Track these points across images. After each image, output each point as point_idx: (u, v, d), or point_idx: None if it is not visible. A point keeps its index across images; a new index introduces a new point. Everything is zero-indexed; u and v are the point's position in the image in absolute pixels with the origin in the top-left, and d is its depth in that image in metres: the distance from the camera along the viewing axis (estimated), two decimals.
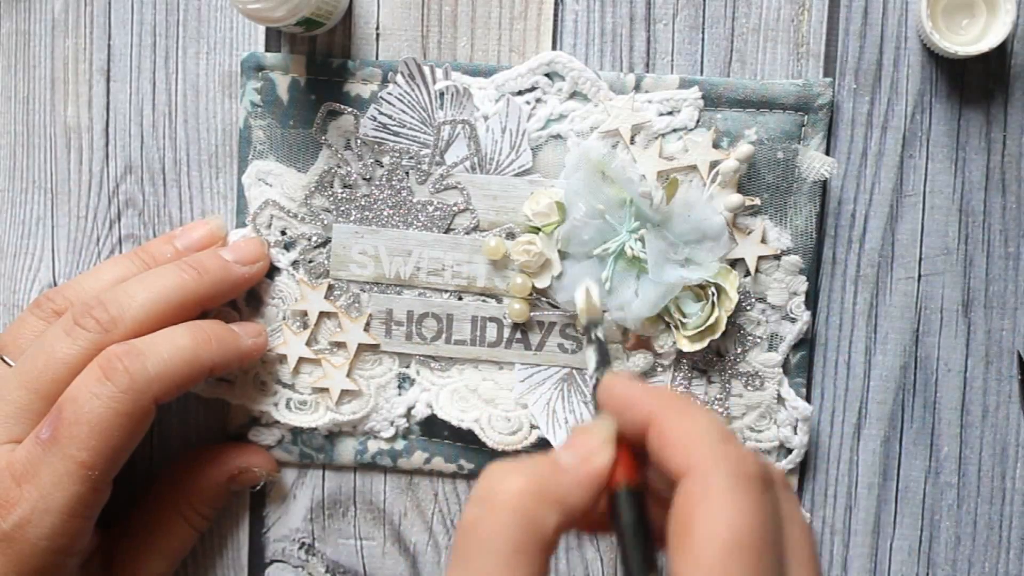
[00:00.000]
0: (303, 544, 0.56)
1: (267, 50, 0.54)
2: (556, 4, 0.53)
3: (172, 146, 0.55)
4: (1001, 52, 0.52)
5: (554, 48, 0.53)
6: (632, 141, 0.52)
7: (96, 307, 0.48)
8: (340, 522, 0.56)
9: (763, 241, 0.52)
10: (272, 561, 0.56)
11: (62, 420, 0.45)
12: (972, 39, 0.51)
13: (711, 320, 0.51)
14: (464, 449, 0.55)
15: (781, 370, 0.53)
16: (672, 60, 0.53)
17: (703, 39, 0.53)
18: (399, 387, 0.54)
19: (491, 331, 0.53)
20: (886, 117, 0.53)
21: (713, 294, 0.51)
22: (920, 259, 0.53)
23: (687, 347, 0.52)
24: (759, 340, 0.53)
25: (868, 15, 0.53)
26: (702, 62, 0.53)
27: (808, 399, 0.54)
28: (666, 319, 0.52)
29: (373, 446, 0.55)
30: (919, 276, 0.53)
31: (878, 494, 0.54)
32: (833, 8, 0.53)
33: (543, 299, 0.53)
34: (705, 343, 0.52)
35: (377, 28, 0.54)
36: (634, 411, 0.38)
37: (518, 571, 0.34)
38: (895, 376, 0.54)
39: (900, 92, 0.53)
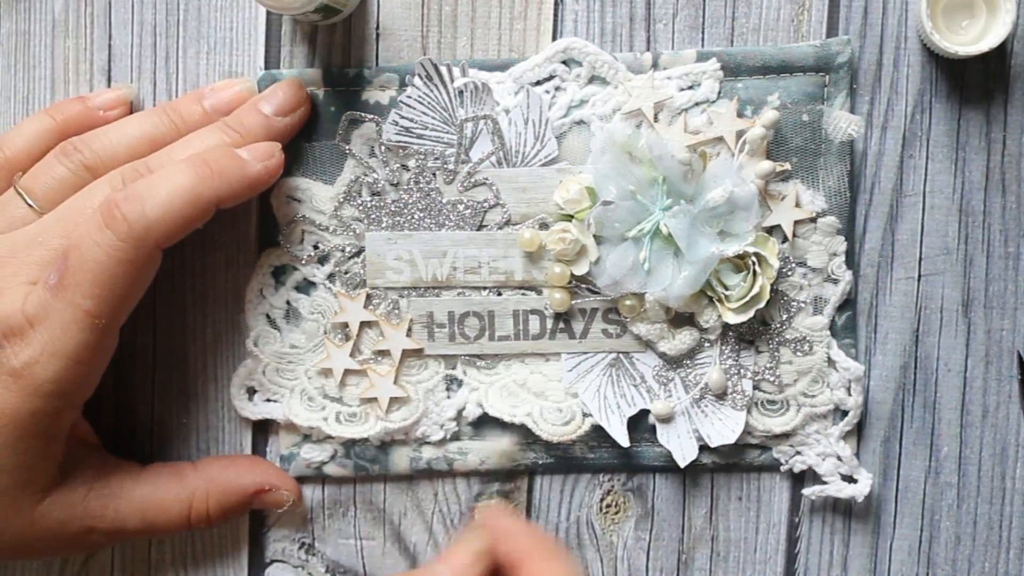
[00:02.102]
0: (303, 544, 0.56)
1: (267, 50, 0.54)
2: (556, 4, 0.53)
3: None
4: (1001, 52, 0.52)
5: None
6: (656, 119, 0.52)
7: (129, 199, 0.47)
8: (340, 522, 0.56)
9: (797, 205, 0.52)
10: (272, 561, 0.56)
11: (67, 267, 0.46)
12: (972, 39, 0.51)
13: (755, 290, 0.51)
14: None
15: (828, 332, 0.53)
16: None
17: (703, 39, 0.53)
18: (447, 389, 0.54)
19: (534, 324, 0.53)
20: (886, 117, 0.53)
21: (753, 263, 0.51)
22: (920, 259, 0.53)
23: (733, 319, 0.51)
24: (803, 305, 0.53)
25: (868, 15, 0.53)
26: None
27: (857, 358, 0.54)
28: (708, 294, 0.52)
29: (427, 452, 0.55)
30: (919, 276, 0.54)
31: (878, 494, 0.54)
32: (833, 8, 0.53)
33: (583, 286, 0.53)
34: (751, 313, 0.51)
35: (377, 28, 0.54)
36: (511, 544, 0.45)
37: None
38: (895, 376, 0.54)
39: (900, 92, 0.53)
